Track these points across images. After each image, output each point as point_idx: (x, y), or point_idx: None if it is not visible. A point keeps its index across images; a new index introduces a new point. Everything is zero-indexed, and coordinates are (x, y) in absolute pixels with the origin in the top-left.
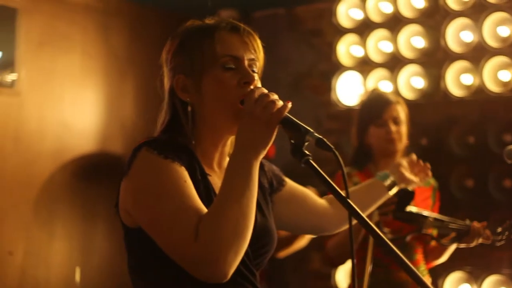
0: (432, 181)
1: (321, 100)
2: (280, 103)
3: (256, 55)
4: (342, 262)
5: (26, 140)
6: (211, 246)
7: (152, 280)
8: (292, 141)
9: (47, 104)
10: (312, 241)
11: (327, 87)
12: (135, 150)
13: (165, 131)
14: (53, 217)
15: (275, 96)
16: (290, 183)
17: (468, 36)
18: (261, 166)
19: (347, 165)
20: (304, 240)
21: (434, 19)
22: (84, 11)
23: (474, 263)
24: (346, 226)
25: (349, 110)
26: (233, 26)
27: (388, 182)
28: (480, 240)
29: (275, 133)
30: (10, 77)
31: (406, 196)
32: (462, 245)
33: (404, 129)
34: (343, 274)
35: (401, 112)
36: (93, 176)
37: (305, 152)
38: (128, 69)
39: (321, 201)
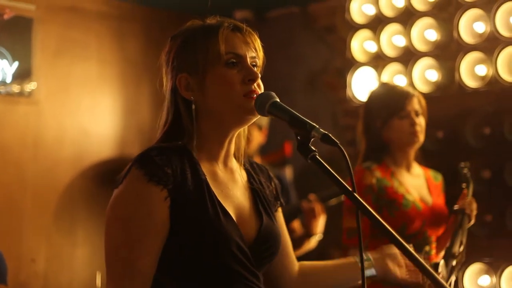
0: (439, 176)
1: (337, 97)
2: None
3: (257, 53)
4: None
5: (45, 148)
6: None
7: None
8: (299, 138)
9: (65, 111)
10: (330, 239)
11: (343, 84)
12: (131, 164)
13: (167, 132)
14: (74, 223)
15: None
16: (281, 214)
17: (481, 27)
18: (270, 179)
19: (364, 160)
20: (313, 242)
21: (446, 11)
22: (98, 19)
23: (493, 254)
24: None
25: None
26: (235, 26)
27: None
28: None
29: None
30: (27, 86)
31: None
32: None
33: (423, 121)
34: None
35: (420, 104)
36: (112, 182)
37: (311, 148)
38: (144, 74)
39: (294, 262)
